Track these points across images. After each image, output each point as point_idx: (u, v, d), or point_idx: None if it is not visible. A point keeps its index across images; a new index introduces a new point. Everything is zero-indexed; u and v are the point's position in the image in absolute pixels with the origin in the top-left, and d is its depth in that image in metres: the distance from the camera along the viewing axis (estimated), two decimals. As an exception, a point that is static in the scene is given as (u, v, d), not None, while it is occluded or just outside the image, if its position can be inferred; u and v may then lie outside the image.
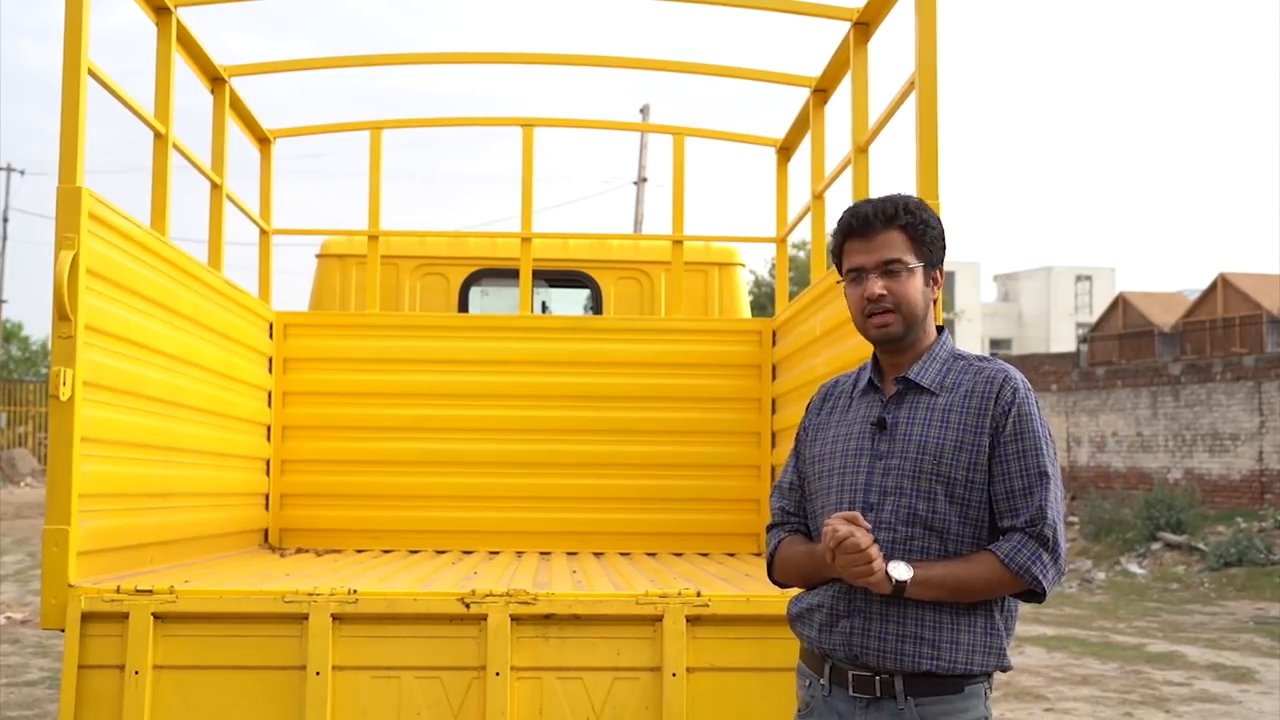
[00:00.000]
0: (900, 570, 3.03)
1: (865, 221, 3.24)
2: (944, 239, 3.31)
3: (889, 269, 3.20)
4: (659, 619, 4.55)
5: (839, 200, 10.93)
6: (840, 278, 3.35)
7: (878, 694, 3.11)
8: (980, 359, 3.27)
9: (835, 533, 2.99)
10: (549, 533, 7.27)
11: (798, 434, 3.50)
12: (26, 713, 9.48)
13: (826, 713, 3.20)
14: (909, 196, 3.32)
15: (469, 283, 8.57)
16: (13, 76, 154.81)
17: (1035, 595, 3.12)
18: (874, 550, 2.99)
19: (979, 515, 3.13)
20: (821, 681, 3.22)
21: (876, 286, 3.20)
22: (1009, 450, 3.12)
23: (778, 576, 3.45)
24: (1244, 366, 25.95)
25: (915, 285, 3.22)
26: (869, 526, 3.03)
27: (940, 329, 3.33)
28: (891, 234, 3.22)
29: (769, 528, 3.50)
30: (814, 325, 6.22)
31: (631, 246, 9.06)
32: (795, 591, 3.41)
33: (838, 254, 3.34)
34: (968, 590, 3.08)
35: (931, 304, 3.29)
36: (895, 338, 3.23)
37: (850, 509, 3.12)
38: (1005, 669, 3.16)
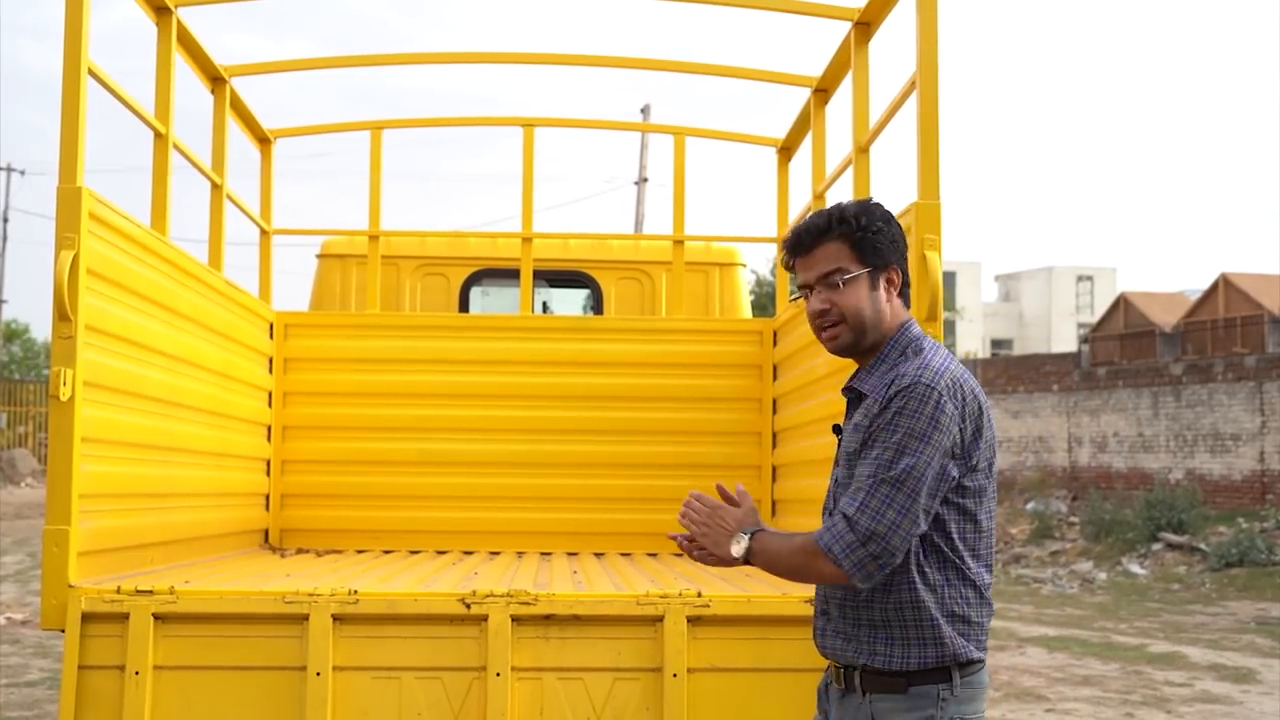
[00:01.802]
0: (737, 548, 3.18)
1: (798, 240, 3.29)
2: (894, 238, 3.26)
3: (829, 282, 3.23)
4: (660, 619, 4.55)
5: (840, 200, 10.90)
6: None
7: (844, 685, 3.22)
8: (914, 357, 3.19)
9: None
10: (550, 533, 7.27)
11: None
12: (27, 713, 9.48)
13: (825, 701, 3.33)
14: (850, 204, 3.32)
15: (469, 283, 8.57)
16: (12, 77, 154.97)
17: (835, 575, 3.06)
18: (694, 541, 3.24)
19: None
20: (829, 669, 3.34)
21: (816, 302, 3.25)
22: (870, 446, 3.10)
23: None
24: (1245, 367, 25.92)
25: (858, 293, 3.22)
26: (694, 498, 3.32)
27: (902, 330, 3.26)
28: (828, 247, 3.24)
29: None
30: (815, 325, 6.21)
31: (632, 246, 9.05)
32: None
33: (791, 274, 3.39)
34: (785, 566, 3.16)
35: (886, 305, 3.25)
36: (847, 347, 3.27)
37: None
38: (961, 660, 3.10)
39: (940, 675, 3.10)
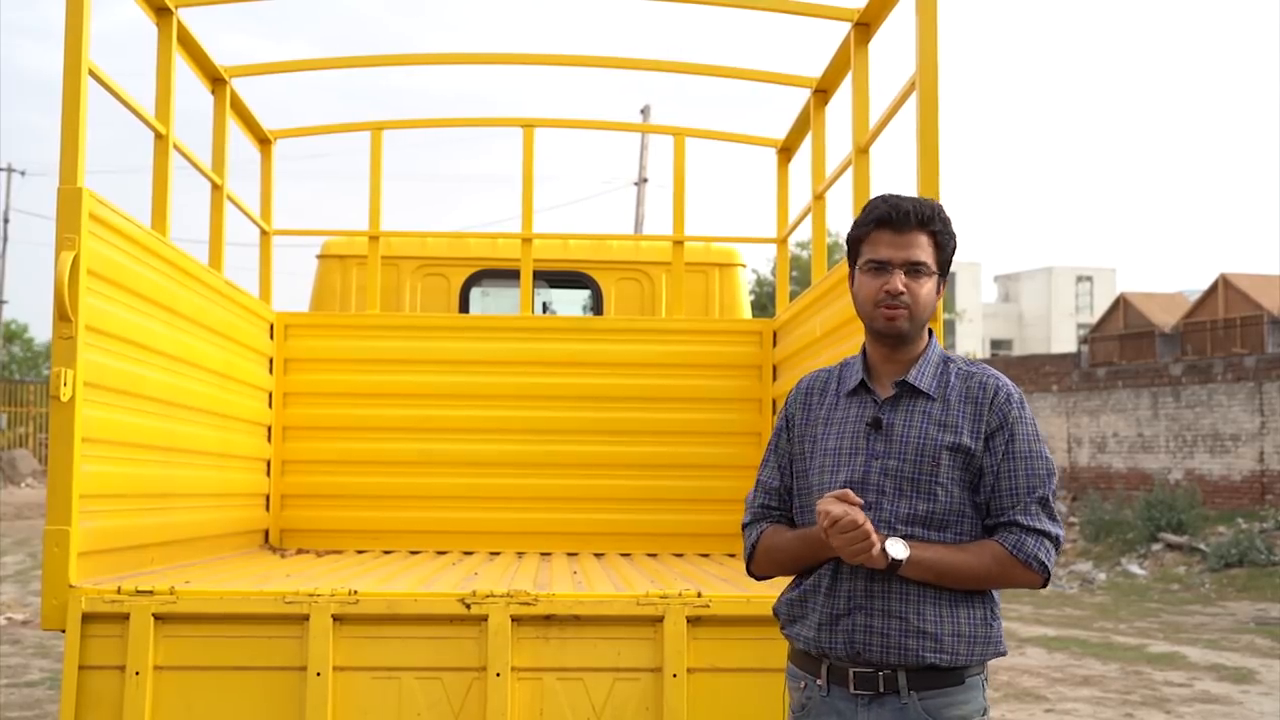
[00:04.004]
0: (897, 548, 3.08)
1: (904, 216, 3.26)
2: (953, 256, 3.38)
3: (914, 268, 3.24)
4: (660, 620, 4.55)
5: (839, 201, 10.87)
6: (855, 263, 3.34)
7: (880, 690, 3.14)
8: (969, 364, 3.35)
9: (829, 513, 3.02)
10: (549, 533, 7.27)
11: (777, 431, 3.51)
12: (27, 713, 9.48)
13: (826, 712, 3.22)
14: (941, 205, 3.36)
15: (469, 283, 8.57)
16: (11, 77, 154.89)
17: (1036, 582, 3.22)
18: (869, 527, 3.02)
19: (975, 513, 3.21)
20: (819, 681, 3.23)
21: (899, 282, 3.22)
22: (1006, 450, 3.20)
23: (758, 569, 3.47)
24: (1245, 367, 25.92)
25: (930, 290, 3.27)
26: (861, 503, 3.07)
27: (930, 333, 3.38)
28: (922, 235, 3.26)
29: (746, 524, 3.50)
30: (815, 326, 6.22)
31: (632, 247, 9.06)
32: (783, 584, 3.41)
33: (858, 240, 3.33)
34: (960, 576, 3.14)
35: (934, 313, 3.35)
36: (900, 334, 3.26)
37: None
38: (1001, 654, 3.25)
39: (982, 665, 3.22)
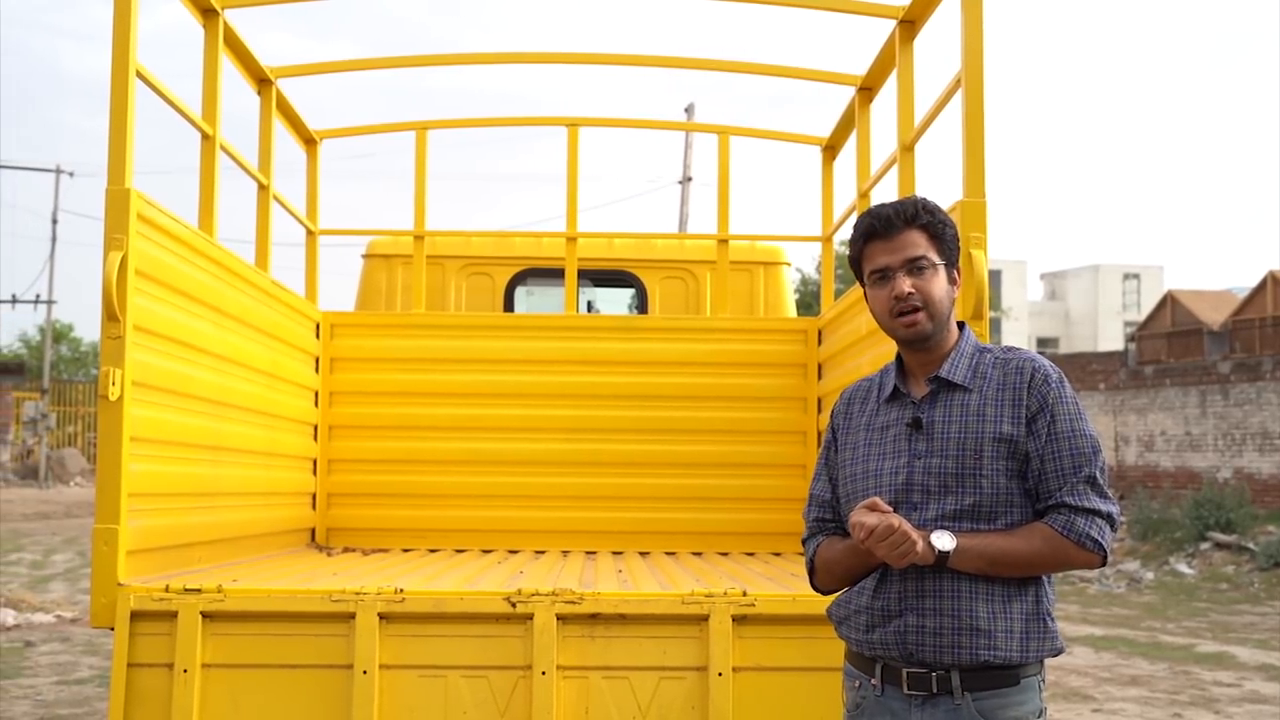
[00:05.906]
0: (943, 540, 3.04)
1: (887, 222, 3.24)
2: (956, 239, 3.32)
3: (915, 267, 3.21)
4: (705, 618, 4.54)
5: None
6: (864, 283, 3.33)
7: (934, 690, 3.10)
8: (1005, 350, 3.30)
9: (864, 524, 3.00)
10: (595, 532, 7.28)
11: (826, 444, 3.50)
12: (77, 710, 9.56)
13: (880, 712, 3.19)
14: (925, 198, 3.34)
15: (514, 282, 8.59)
16: (55, 79, 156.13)
17: (1093, 562, 3.16)
18: (907, 527, 2.99)
19: (1024, 502, 3.16)
20: (873, 681, 3.20)
21: (905, 285, 3.20)
22: (1049, 432, 3.16)
23: (821, 582, 3.43)
24: (1294, 365, 25.68)
25: (940, 283, 3.23)
26: (890, 509, 3.04)
27: (961, 325, 3.34)
28: (913, 233, 3.23)
29: (805, 540, 3.48)
30: (860, 324, 6.20)
31: (677, 246, 9.06)
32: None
33: (858, 259, 3.32)
34: (1012, 561, 3.09)
35: (954, 302, 3.29)
36: (924, 335, 3.23)
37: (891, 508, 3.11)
38: (1059, 651, 3.18)
39: (1039, 665, 3.16)
